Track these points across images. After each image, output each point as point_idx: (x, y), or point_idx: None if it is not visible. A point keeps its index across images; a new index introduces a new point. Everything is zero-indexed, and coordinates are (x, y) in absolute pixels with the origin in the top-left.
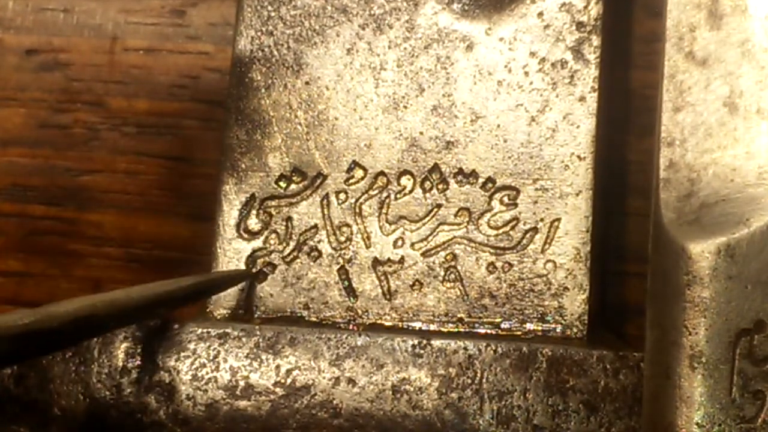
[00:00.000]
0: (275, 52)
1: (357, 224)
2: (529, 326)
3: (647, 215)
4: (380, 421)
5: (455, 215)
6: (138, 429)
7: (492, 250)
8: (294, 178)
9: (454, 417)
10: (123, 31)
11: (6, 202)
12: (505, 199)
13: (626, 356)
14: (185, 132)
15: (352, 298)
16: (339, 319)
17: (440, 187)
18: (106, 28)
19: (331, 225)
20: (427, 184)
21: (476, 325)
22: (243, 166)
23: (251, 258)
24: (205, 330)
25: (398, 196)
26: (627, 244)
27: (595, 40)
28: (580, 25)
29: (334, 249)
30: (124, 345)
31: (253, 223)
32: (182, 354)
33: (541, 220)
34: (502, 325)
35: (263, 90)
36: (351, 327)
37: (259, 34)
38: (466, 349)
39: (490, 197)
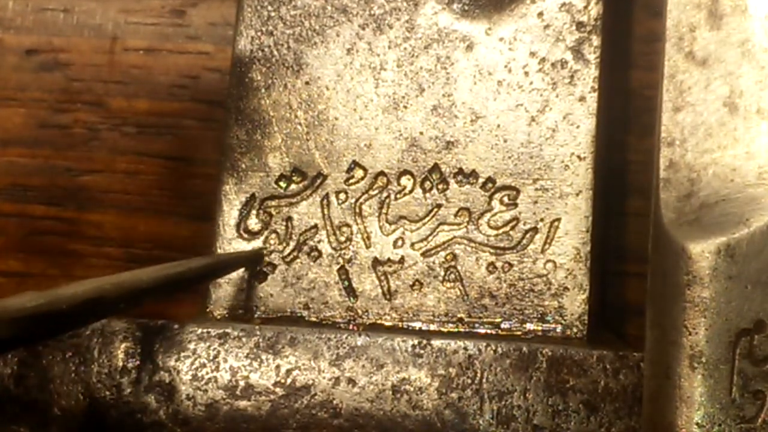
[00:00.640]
0: (275, 52)
1: (357, 224)
2: (529, 326)
3: (647, 215)
4: (380, 421)
5: (455, 215)
6: (138, 429)
7: (492, 250)
8: (294, 178)
9: (454, 417)
10: (123, 31)
11: (6, 202)
12: (505, 199)
13: (626, 356)
14: (185, 132)
15: (352, 298)
16: (339, 319)
17: (440, 187)
18: (106, 28)
19: (331, 225)
20: (427, 184)
21: (476, 325)
22: (243, 166)
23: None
24: (205, 330)
25: (398, 196)
26: (627, 244)
27: (595, 40)
28: (580, 25)
29: (334, 249)
30: (124, 345)
31: (253, 223)
32: (182, 354)
33: (541, 220)
34: (502, 325)
35: (263, 90)
36: (351, 327)
37: (259, 34)
38: (466, 349)
39: (490, 197)
